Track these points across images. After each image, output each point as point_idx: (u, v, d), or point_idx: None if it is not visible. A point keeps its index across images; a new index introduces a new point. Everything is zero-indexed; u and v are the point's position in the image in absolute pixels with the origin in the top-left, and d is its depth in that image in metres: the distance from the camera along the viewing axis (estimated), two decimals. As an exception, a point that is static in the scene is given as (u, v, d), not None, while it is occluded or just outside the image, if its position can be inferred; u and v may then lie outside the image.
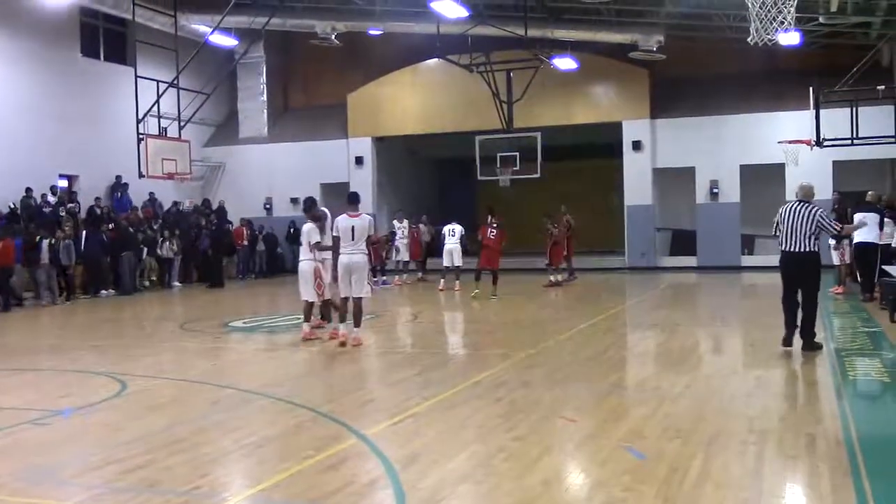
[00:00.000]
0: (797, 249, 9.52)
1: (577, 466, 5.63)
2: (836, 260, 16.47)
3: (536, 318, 14.35)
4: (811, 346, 9.55)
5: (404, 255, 22.47)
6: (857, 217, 14.77)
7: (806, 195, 9.76)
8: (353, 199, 10.84)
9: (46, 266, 18.74)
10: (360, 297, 10.69)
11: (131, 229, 22.42)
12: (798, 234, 9.49)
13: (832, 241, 16.46)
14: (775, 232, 9.98)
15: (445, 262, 20.08)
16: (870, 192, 15.93)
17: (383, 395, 8.15)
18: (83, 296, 20.36)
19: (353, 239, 10.45)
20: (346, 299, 10.89)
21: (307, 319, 11.74)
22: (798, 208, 9.57)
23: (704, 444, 5.78)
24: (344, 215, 10.55)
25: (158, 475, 5.45)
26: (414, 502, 4.79)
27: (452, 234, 20.21)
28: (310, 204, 12.03)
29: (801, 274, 9.67)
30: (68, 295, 19.70)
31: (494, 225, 18.16)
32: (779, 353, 9.91)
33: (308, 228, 11.63)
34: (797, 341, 9.62)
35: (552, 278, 20.14)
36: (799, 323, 9.62)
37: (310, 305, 11.75)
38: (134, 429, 6.77)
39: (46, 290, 18.77)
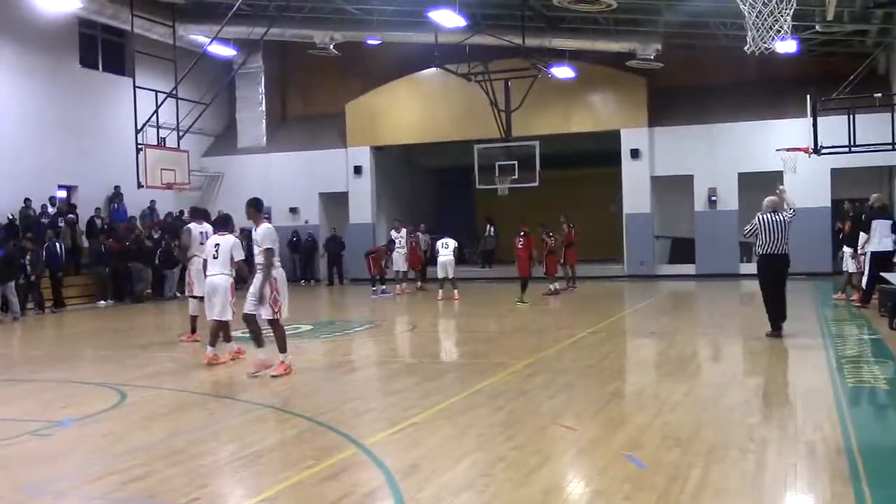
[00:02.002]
0: (781, 252, 11.31)
1: (576, 475, 5.62)
2: (852, 268, 16.33)
3: (536, 327, 14.34)
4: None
5: (401, 266, 22.46)
6: (875, 224, 14.73)
7: (776, 207, 11.46)
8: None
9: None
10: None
11: (148, 241, 22.48)
12: (779, 239, 11.26)
13: (848, 250, 16.38)
14: (748, 236, 11.70)
15: (440, 275, 20.17)
16: (875, 195, 15.87)
17: (383, 404, 8.14)
18: (82, 305, 20.36)
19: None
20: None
21: (214, 344, 10.62)
22: (775, 218, 11.30)
23: (704, 453, 5.77)
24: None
25: (157, 486, 5.44)
26: (414, 512, 4.78)
27: (446, 246, 20.30)
28: (226, 217, 11.57)
29: (783, 270, 11.48)
30: (41, 307, 19.14)
31: (521, 234, 18.43)
32: (778, 359, 9.95)
33: (233, 242, 10.55)
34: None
35: (551, 287, 20.15)
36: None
37: (219, 326, 10.65)
38: (133, 440, 6.76)
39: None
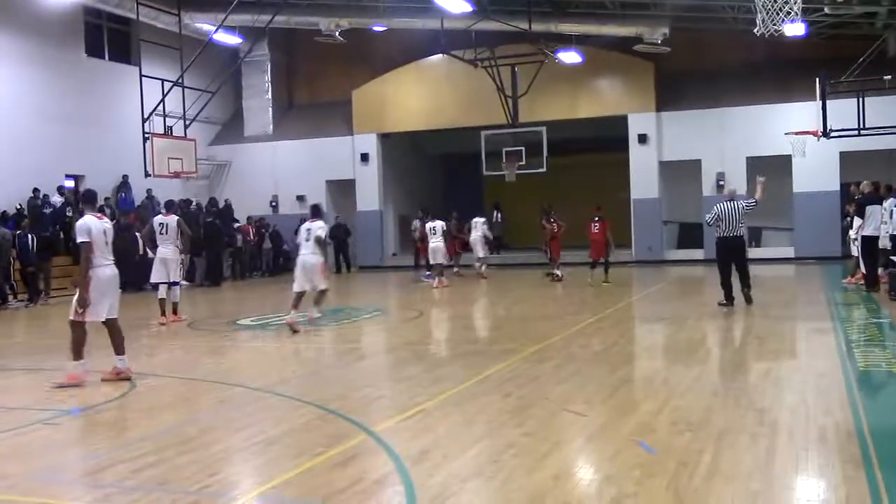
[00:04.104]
0: (736, 234, 13.06)
1: (586, 461, 5.61)
2: (855, 251, 16.36)
3: (543, 313, 14.32)
4: (751, 298, 13.24)
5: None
6: (870, 209, 14.79)
7: (733, 195, 13.52)
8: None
9: None
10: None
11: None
12: (735, 223, 12.98)
13: (852, 234, 16.40)
14: (710, 222, 13.31)
15: (432, 261, 20.09)
16: (864, 182, 15.89)
17: (392, 391, 8.15)
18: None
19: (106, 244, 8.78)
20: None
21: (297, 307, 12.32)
22: (732, 205, 13.02)
23: (714, 438, 5.76)
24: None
25: (168, 474, 5.45)
26: (424, 498, 4.78)
27: (434, 231, 20.21)
28: (315, 207, 13.22)
29: (738, 250, 13.25)
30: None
31: (596, 219, 18.86)
32: (788, 344, 9.93)
33: (321, 225, 12.58)
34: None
35: (556, 272, 20.15)
36: (739, 285, 13.24)
37: (322, 294, 12.77)
38: (143, 428, 6.79)
39: None
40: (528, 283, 19.90)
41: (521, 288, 19.28)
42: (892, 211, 14.09)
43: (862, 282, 15.37)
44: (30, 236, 19.29)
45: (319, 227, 12.47)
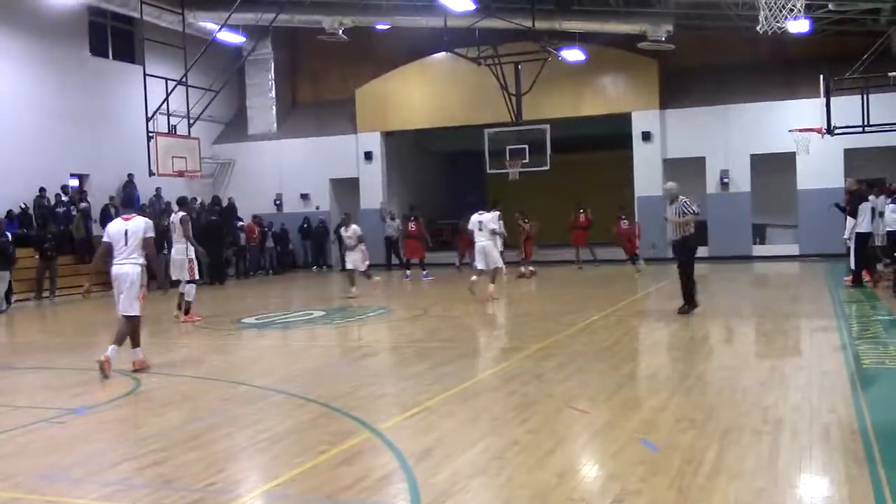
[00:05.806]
0: None
1: (590, 458, 5.63)
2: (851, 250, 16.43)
3: (547, 311, 14.32)
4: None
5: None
6: (863, 207, 14.91)
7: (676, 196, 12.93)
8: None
9: None
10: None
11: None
12: None
13: (846, 234, 16.46)
14: (698, 213, 12.98)
15: (349, 266, 18.17)
16: (850, 179, 16.04)
17: (396, 389, 8.16)
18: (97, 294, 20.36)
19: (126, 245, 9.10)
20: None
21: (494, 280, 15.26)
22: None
23: (718, 435, 5.77)
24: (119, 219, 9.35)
25: (174, 472, 5.48)
26: (428, 496, 4.79)
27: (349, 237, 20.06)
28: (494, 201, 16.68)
29: None
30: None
31: (624, 216, 20.97)
32: (791, 341, 9.93)
33: (493, 216, 15.65)
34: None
35: (526, 270, 20.96)
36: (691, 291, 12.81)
37: (497, 271, 15.40)
38: (149, 426, 6.81)
39: None
40: (530, 281, 19.88)
41: (524, 286, 19.28)
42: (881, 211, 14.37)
43: (868, 279, 15.38)
44: (7, 235, 18.57)
45: (491, 220, 15.38)
